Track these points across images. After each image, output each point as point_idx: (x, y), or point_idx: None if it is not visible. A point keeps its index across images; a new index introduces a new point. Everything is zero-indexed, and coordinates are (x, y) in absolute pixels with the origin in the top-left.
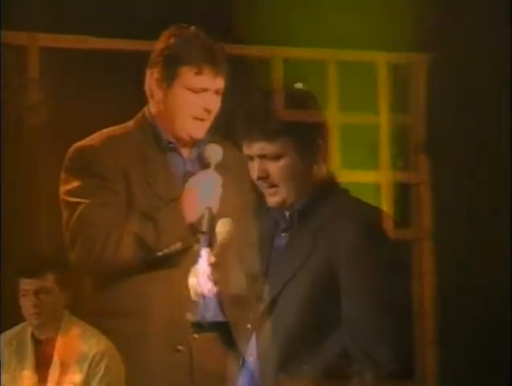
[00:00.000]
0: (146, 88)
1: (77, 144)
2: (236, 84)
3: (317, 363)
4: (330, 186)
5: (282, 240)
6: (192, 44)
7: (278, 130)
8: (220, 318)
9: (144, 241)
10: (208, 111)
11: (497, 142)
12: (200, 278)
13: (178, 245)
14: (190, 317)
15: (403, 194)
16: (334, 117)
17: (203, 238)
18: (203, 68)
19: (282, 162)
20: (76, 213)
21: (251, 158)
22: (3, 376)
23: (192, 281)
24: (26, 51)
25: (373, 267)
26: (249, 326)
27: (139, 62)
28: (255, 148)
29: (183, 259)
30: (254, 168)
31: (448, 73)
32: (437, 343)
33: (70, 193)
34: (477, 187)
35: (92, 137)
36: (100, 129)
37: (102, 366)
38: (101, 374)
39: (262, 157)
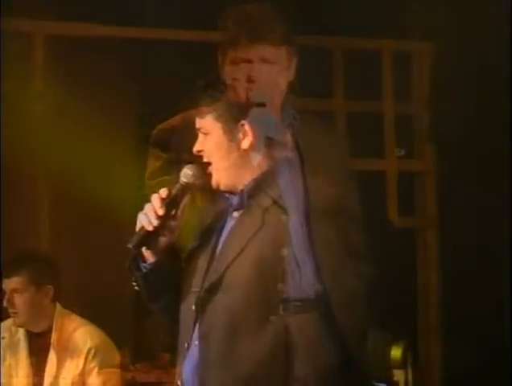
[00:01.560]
0: None
1: (157, 127)
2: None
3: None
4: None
5: (233, 219)
6: (234, 19)
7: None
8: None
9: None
10: (252, 80)
11: (500, 131)
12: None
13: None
14: (281, 287)
15: (408, 182)
16: (340, 104)
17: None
18: (239, 39)
19: (209, 139)
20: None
21: None
22: None
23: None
24: (32, 39)
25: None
26: (193, 307)
27: (146, 50)
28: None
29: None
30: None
31: (451, 62)
32: (441, 331)
33: (151, 176)
34: (481, 176)
35: (170, 119)
36: (104, 118)
37: (97, 360)
38: (96, 369)
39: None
